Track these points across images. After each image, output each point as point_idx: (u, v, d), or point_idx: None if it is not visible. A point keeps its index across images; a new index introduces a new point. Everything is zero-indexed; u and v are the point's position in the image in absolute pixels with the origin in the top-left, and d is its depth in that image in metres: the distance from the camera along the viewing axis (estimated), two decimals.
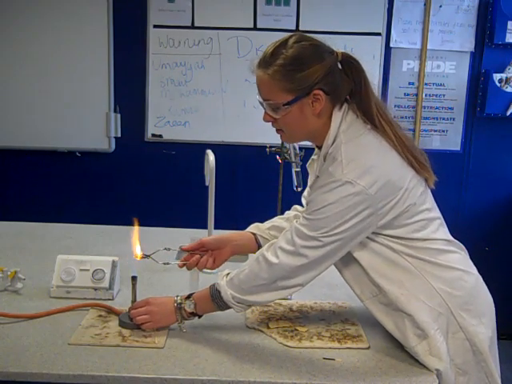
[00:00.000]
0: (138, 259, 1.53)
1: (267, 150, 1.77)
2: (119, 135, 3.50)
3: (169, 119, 3.47)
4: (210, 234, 1.96)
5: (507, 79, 3.39)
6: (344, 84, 1.39)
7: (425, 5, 3.39)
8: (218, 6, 3.35)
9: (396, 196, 1.34)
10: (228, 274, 1.44)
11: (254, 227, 1.67)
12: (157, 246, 2.21)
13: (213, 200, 1.94)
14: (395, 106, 3.45)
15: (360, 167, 1.32)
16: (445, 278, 1.39)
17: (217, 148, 2.05)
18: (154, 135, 3.49)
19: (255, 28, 3.37)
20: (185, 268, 1.59)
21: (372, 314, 1.45)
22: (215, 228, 1.97)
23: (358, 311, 1.65)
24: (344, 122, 1.39)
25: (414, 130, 3.47)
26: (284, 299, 1.73)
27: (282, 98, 1.36)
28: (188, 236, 1.72)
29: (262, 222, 1.68)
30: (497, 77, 3.39)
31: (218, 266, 1.61)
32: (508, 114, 3.41)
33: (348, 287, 1.55)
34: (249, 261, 1.45)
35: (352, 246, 1.38)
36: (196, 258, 1.58)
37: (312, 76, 1.34)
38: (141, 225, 2.34)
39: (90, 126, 3.46)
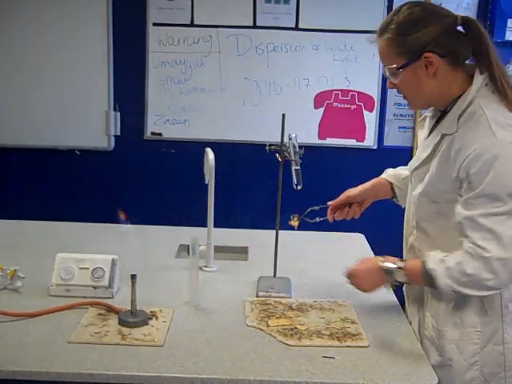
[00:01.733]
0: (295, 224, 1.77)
1: (267, 148, 1.76)
2: (119, 133, 3.49)
3: (168, 117, 3.47)
4: (210, 233, 1.96)
5: None
6: (463, 47, 1.38)
7: None
8: (217, 3, 3.34)
9: None
10: (441, 259, 1.36)
11: (391, 177, 1.75)
12: (156, 244, 2.21)
13: (212, 198, 1.94)
14: (395, 104, 3.45)
15: (510, 134, 1.30)
16: (510, 288, 1.38)
17: (216, 146, 2.04)
18: (153, 133, 3.48)
19: (255, 26, 3.36)
20: (183, 267, 1.57)
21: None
22: (215, 226, 1.97)
23: (357, 309, 1.65)
24: (483, 88, 1.37)
25: (414, 128, 3.47)
26: (284, 297, 1.73)
27: (395, 62, 1.39)
28: (187, 234, 1.72)
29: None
30: None
31: (360, 213, 1.77)
32: None
33: (348, 286, 1.55)
34: (462, 254, 1.34)
35: None
36: (346, 210, 1.76)
37: (421, 38, 1.35)
38: (140, 223, 2.33)
39: (90, 125, 3.45)
